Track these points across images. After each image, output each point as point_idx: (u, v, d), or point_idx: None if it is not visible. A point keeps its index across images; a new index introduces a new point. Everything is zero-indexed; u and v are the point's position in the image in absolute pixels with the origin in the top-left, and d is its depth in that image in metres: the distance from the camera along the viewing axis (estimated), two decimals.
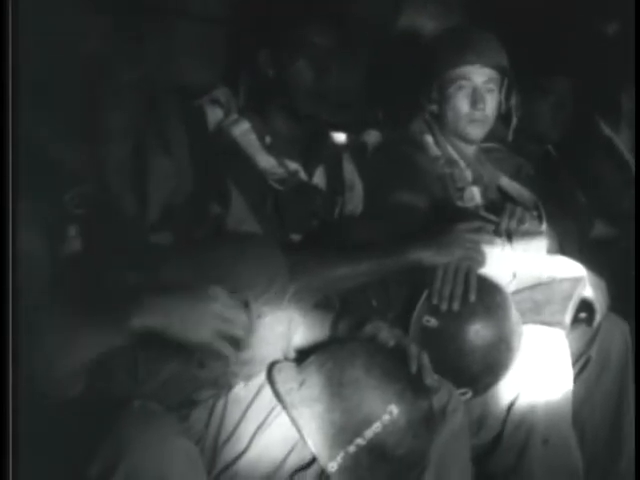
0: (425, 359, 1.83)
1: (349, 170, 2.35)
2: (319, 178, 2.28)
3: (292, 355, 1.89)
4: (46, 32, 1.70)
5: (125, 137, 1.76)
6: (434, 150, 2.52)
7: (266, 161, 2.18)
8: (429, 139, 2.53)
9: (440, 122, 2.53)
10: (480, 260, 2.17)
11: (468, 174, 2.53)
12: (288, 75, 2.21)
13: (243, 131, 2.19)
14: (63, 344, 1.58)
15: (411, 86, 2.58)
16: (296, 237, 2.18)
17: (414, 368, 1.81)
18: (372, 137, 2.52)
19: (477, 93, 2.46)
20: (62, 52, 1.67)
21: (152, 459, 1.49)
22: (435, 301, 2.08)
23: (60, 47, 1.68)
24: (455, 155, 2.53)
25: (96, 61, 1.66)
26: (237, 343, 1.60)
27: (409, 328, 2.06)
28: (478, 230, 2.21)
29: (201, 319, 1.57)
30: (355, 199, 2.34)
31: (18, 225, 1.64)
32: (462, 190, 2.47)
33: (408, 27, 2.87)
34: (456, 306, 2.07)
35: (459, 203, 2.45)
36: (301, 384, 1.79)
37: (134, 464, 1.47)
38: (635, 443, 2.05)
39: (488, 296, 2.13)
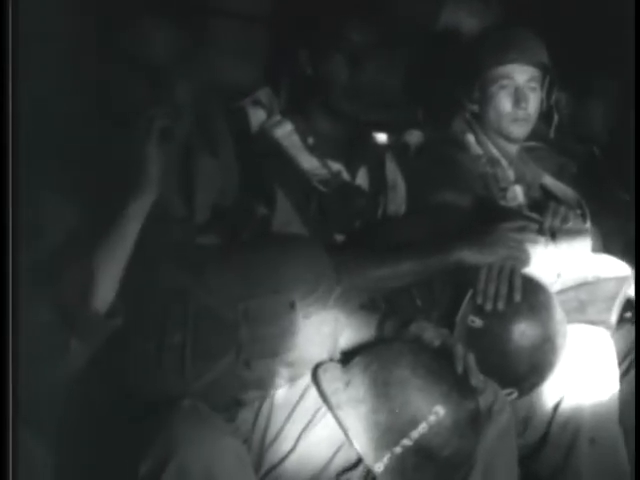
0: (471, 359, 1.82)
1: (392, 170, 2.35)
2: (362, 178, 2.28)
3: (337, 356, 1.89)
4: (93, 31, 1.72)
5: (172, 139, 1.77)
6: (476, 149, 2.51)
7: (309, 162, 2.18)
8: (471, 138, 2.52)
9: (481, 121, 2.52)
10: (524, 259, 2.15)
11: (510, 173, 2.51)
12: (326, 74, 2.21)
13: (286, 132, 2.19)
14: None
15: (452, 85, 2.57)
16: (340, 238, 2.18)
17: (460, 368, 1.80)
18: (414, 137, 2.52)
19: (520, 92, 2.44)
20: (107, 51, 1.69)
21: (202, 457, 1.51)
22: (479, 301, 2.07)
23: (105, 47, 1.69)
24: (497, 154, 2.51)
25: (139, 62, 1.68)
26: None
27: (454, 328, 2.05)
28: (522, 229, 2.19)
29: None
30: (398, 199, 2.33)
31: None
32: (505, 189, 2.46)
33: (448, 25, 2.86)
34: (501, 306, 2.06)
35: (502, 202, 2.44)
36: (347, 384, 1.79)
37: (184, 461, 1.49)
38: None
39: (533, 296, 2.12)
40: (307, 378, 1.84)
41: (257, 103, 2.21)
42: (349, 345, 1.91)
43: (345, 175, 2.24)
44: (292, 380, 1.83)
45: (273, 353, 1.75)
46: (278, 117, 2.21)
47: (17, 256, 1.54)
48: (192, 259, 1.71)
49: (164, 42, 1.70)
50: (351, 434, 1.76)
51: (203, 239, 1.77)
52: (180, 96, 1.70)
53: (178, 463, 1.49)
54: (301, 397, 1.84)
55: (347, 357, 1.87)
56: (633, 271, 2.30)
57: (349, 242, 2.17)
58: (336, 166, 2.23)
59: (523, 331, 2.08)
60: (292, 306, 1.76)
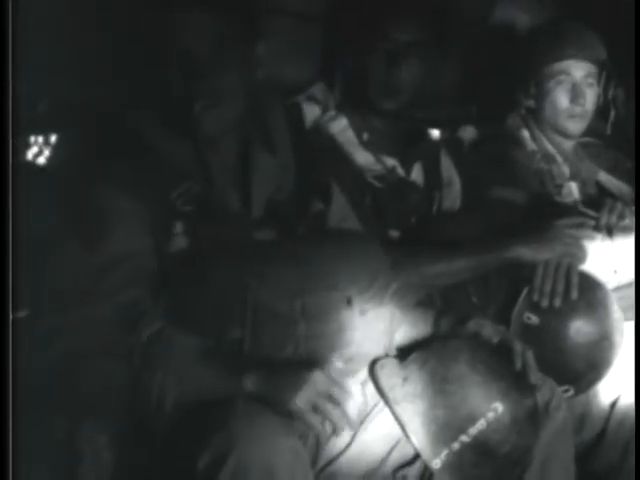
0: (530, 356, 1.81)
1: (447, 166, 2.34)
2: (417, 174, 2.27)
3: (393, 352, 1.89)
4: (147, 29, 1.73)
5: (229, 135, 1.78)
6: (531, 145, 2.50)
7: (364, 157, 2.18)
8: (525, 134, 2.51)
9: (537, 117, 2.50)
10: (581, 256, 2.14)
11: (566, 169, 2.49)
12: (369, 72, 2.21)
13: (341, 128, 2.19)
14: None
15: (508, 81, 2.55)
16: (394, 233, 2.18)
17: (519, 365, 1.80)
18: (468, 133, 2.50)
19: (577, 88, 2.42)
20: (166, 49, 1.70)
21: (260, 453, 1.50)
22: (536, 298, 2.06)
23: (162, 44, 1.70)
24: (552, 150, 2.50)
25: (193, 60, 1.68)
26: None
27: (509, 325, 2.04)
28: (579, 226, 2.18)
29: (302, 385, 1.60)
30: (453, 195, 2.32)
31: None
32: (560, 186, 2.44)
33: (502, 21, 2.84)
34: (557, 303, 2.05)
35: (557, 199, 2.42)
36: (404, 380, 1.79)
37: (243, 457, 1.49)
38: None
39: (589, 293, 2.11)
40: (364, 373, 1.84)
41: (312, 99, 2.22)
42: (405, 341, 1.91)
43: (400, 171, 2.23)
44: (349, 376, 1.82)
45: (330, 349, 1.75)
46: (333, 112, 2.22)
47: None
48: (249, 254, 1.71)
49: (217, 37, 1.70)
50: (409, 430, 1.76)
51: (259, 234, 1.77)
52: (227, 84, 1.71)
53: (236, 459, 1.49)
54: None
55: (403, 353, 1.87)
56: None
57: (404, 238, 2.17)
58: (391, 162, 2.22)
59: (579, 328, 2.07)
60: (349, 302, 1.75)
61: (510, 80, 2.55)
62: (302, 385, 1.59)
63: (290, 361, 1.67)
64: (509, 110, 2.55)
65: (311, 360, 1.68)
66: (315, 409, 1.58)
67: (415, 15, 2.24)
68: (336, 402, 1.59)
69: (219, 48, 1.70)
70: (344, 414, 1.60)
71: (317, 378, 1.60)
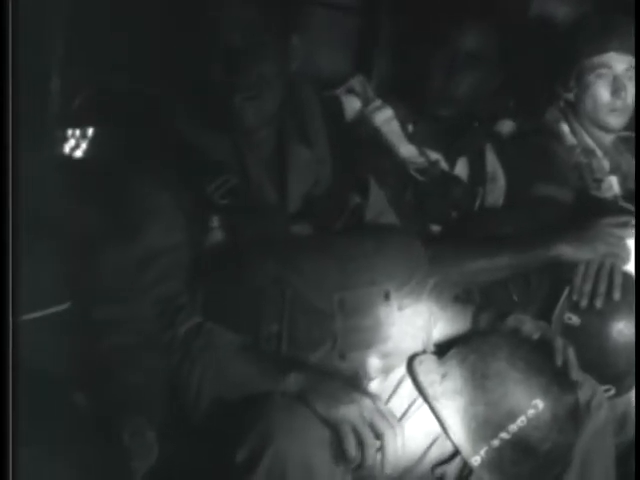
0: (571, 353, 1.79)
1: (492, 161, 2.31)
2: (461, 169, 2.24)
3: (431, 348, 1.87)
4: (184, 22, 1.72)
5: (267, 128, 1.77)
6: (570, 139, 2.46)
7: (407, 150, 2.16)
8: (565, 128, 2.47)
9: (577, 110, 2.46)
10: (624, 257, 2.10)
11: (605, 163, 2.45)
12: (433, 77, 2.18)
13: (386, 118, 2.17)
14: None
15: (546, 74, 2.52)
16: (435, 228, 2.15)
17: (560, 362, 1.77)
18: (506, 127, 2.47)
19: (618, 81, 2.38)
20: (203, 42, 1.69)
21: (298, 446, 1.49)
22: (576, 298, 2.04)
23: (198, 37, 1.69)
24: (592, 144, 2.46)
25: (230, 52, 1.67)
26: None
27: (550, 325, 2.02)
28: (622, 225, 2.13)
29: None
30: (497, 191, 2.29)
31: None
32: (600, 180, 2.40)
33: (542, 13, 2.80)
34: (599, 304, 2.03)
35: (597, 193, 2.38)
36: (443, 376, 1.77)
37: (281, 450, 1.48)
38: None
39: (631, 294, 2.07)
40: (402, 370, 1.83)
41: (351, 91, 2.20)
42: (443, 337, 1.89)
43: (443, 165, 2.21)
44: (386, 372, 1.81)
45: (368, 345, 1.73)
46: (378, 102, 2.19)
47: None
48: (286, 249, 1.70)
49: (254, 29, 1.69)
50: (448, 426, 1.74)
51: (296, 229, 1.76)
52: (265, 76, 1.69)
53: (274, 453, 1.48)
54: (395, 389, 1.83)
55: (441, 349, 1.85)
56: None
57: (444, 233, 2.15)
58: (434, 155, 2.20)
59: (621, 330, 2.04)
60: (387, 297, 1.74)
61: (549, 73, 2.51)
62: (348, 403, 1.56)
63: (336, 370, 1.66)
64: (548, 104, 2.52)
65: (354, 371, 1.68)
66: (354, 431, 1.54)
67: (479, 23, 2.20)
68: (378, 433, 1.54)
69: (256, 40, 1.68)
70: (381, 450, 1.55)
71: (366, 403, 1.56)
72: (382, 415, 1.55)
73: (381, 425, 1.54)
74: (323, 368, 1.66)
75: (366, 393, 1.61)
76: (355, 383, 1.69)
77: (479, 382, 1.75)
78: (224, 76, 1.67)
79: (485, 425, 1.73)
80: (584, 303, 2.03)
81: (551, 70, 2.51)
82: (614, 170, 2.46)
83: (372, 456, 1.53)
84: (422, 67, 2.18)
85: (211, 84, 1.69)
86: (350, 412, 1.54)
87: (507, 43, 2.23)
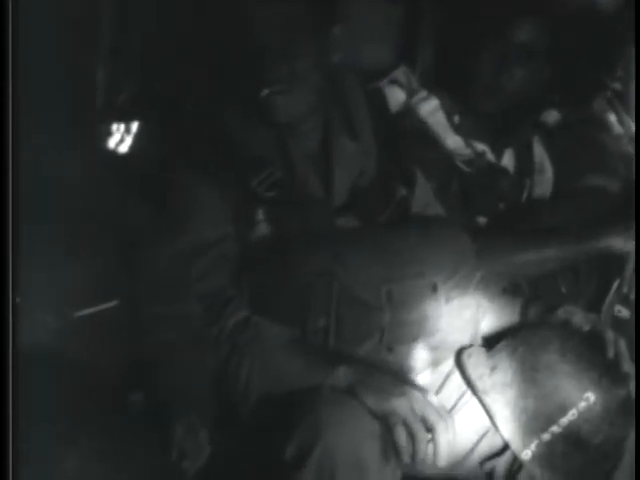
0: (622, 345, 1.76)
1: (539, 153, 2.29)
2: (508, 160, 2.22)
3: (479, 341, 1.85)
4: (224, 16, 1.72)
5: (311, 121, 1.76)
6: (617, 128, 2.42)
7: (454, 141, 2.14)
8: (612, 117, 2.44)
9: (624, 100, 2.43)
10: None
11: None
12: (481, 70, 2.16)
13: (431, 109, 2.15)
14: None
15: (593, 63, 2.48)
16: (482, 220, 2.13)
17: (611, 354, 1.75)
18: (552, 117, 2.44)
19: None
20: (243, 35, 1.68)
21: (348, 440, 1.48)
22: (625, 290, 2.01)
23: (239, 30, 1.69)
24: None
25: (269, 45, 1.66)
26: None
27: (600, 317, 1.99)
28: None
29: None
30: (545, 182, 2.26)
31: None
32: None
33: (585, 1, 2.76)
34: None
35: None
36: (492, 369, 1.75)
37: (330, 445, 1.47)
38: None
39: None
40: (450, 363, 1.81)
41: (395, 83, 2.18)
42: (491, 330, 1.87)
43: (490, 156, 2.19)
44: (434, 365, 1.80)
45: (415, 338, 1.72)
46: (424, 93, 2.18)
47: None
48: (333, 242, 1.69)
49: (292, 22, 1.68)
50: (497, 420, 1.72)
51: (342, 221, 1.75)
52: (300, 69, 1.68)
53: (323, 447, 1.46)
54: (443, 383, 1.82)
55: (489, 342, 1.83)
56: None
57: (491, 225, 2.12)
58: (481, 146, 2.18)
59: None
60: (434, 290, 1.72)
61: (596, 62, 2.48)
62: (398, 396, 1.54)
63: (383, 363, 1.65)
64: (595, 93, 2.48)
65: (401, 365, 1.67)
66: (405, 424, 1.52)
67: (533, 16, 2.18)
68: (429, 426, 1.53)
69: (295, 32, 1.67)
70: (433, 443, 1.53)
71: (417, 396, 1.55)
72: (433, 408, 1.54)
73: (432, 418, 1.52)
74: (371, 361, 1.65)
75: (416, 386, 1.60)
76: (403, 376, 1.67)
77: (529, 375, 1.73)
78: (261, 70, 1.67)
79: (535, 418, 1.71)
80: (632, 295, 2.00)
81: (597, 59, 2.47)
82: None
83: (423, 449, 1.51)
84: (471, 59, 2.16)
85: (252, 78, 1.68)
86: (401, 405, 1.53)
87: (557, 35, 2.19)
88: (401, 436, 1.51)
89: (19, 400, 1.29)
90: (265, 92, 1.66)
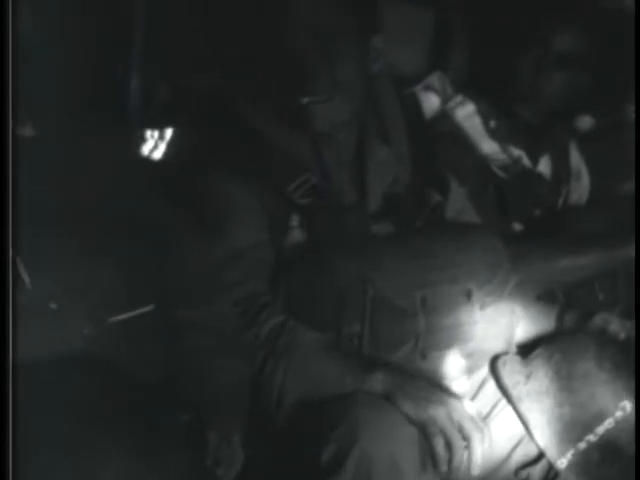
0: None
1: (575, 158, 2.27)
2: (544, 166, 2.21)
3: (514, 348, 1.84)
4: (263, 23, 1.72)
5: (346, 128, 1.75)
6: None
7: (489, 146, 2.14)
8: None
9: None
10: None
11: None
12: (519, 75, 2.15)
13: (467, 114, 2.15)
14: None
15: (625, 68, 2.46)
16: (517, 226, 2.12)
17: None
18: (585, 123, 2.43)
19: None
20: (281, 43, 1.68)
21: (385, 445, 1.48)
22: None
23: (277, 38, 1.69)
24: None
25: (309, 53, 1.67)
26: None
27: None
28: None
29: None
30: (581, 188, 2.25)
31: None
32: None
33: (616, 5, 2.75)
34: None
35: None
36: (528, 377, 1.74)
37: (367, 450, 1.47)
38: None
39: None
40: (484, 370, 1.80)
41: (429, 88, 2.18)
42: (526, 337, 1.86)
43: (526, 161, 2.18)
44: (468, 372, 1.78)
45: (449, 344, 1.71)
46: (460, 98, 2.17)
47: None
48: (367, 247, 1.69)
49: (331, 31, 1.68)
50: (533, 428, 1.70)
51: (377, 227, 1.75)
52: (341, 78, 1.68)
53: (360, 451, 1.46)
54: (478, 390, 1.80)
55: (525, 349, 1.82)
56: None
57: (527, 231, 2.11)
58: (517, 152, 2.17)
59: None
60: (469, 296, 1.72)
61: (628, 67, 2.46)
62: (436, 404, 1.54)
63: (418, 370, 1.64)
64: (627, 98, 2.46)
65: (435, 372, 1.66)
66: (442, 433, 1.53)
67: (572, 23, 2.17)
68: (465, 435, 1.53)
69: (334, 42, 1.68)
70: (468, 452, 1.54)
71: (455, 405, 1.55)
72: (470, 417, 1.54)
73: (468, 427, 1.53)
74: (406, 368, 1.64)
75: (453, 394, 1.59)
76: (438, 383, 1.67)
77: (565, 383, 1.71)
78: (301, 78, 1.67)
79: (571, 427, 1.69)
80: None
81: (629, 64, 2.45)
82: None
83: (460, 459, 1.51)
84: (508, 64, 2.14)
85: (290, 86, 1.68)
86: (439, 414, 1.53)
87: (592, 40, 2.18)
88: (439, 445, 1.50)
89: (51, 407, 1.29)
90: (305, 100, 1.66)
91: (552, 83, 2.13)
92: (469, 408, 1.56)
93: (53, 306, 1.39)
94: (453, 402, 1.55)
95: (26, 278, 1.39)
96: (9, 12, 1.34)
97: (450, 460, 1.52)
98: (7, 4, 1.33)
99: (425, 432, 1.52)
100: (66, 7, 1.58)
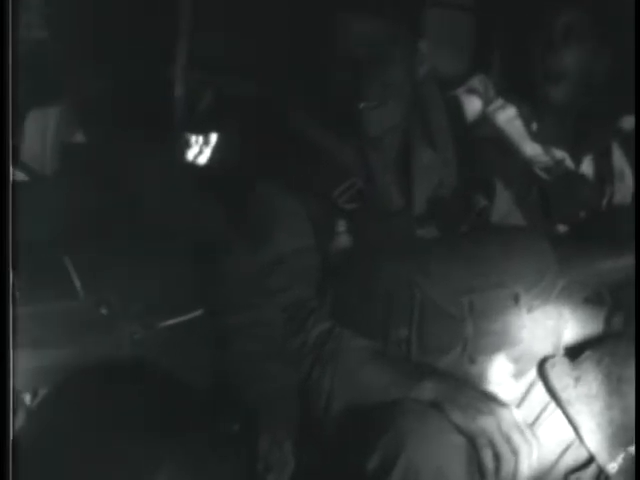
0: None
1: (619, 159, 2.25)
2: (587, 167, 2.19)
3: (561, 351, 1.82)
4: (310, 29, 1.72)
5: (391, 132, 1.75)
6: None
7: (532, 149, 2.12)
8: None
9: None
10: None
11: None
12: (534, 58, 2.14)
13: (508, 118, 2.14)
14: None
15: None
16: (562, 228, 2.11)
17: None
18: (628, 123, 2.41)
19: None
20: (328, 48, 1.68)
21: (431, 454, 1.47)
22: None
23: (324, 44, 1.69)
24: None
25: (358, 60, 1.67)
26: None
27: None
28: None
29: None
30: (624, 189, 2.23)
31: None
32: None
33: None
34: None
35: None
36: (577, 380, 1.72)
37: (413, 459, 1.46)
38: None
39: None
40: (532, 374, 1.79)
41: (472, 91, 2.17)
42: (574, 340, 1.84)
43: (569, 163, 2.16)
44: (517, 376, 1.77)
45: (497, 348, 1.71)
46: (501, 101, 2.16)
47: None
48: (414, 252, 1.69)
49: (379, 36, 1.68)
50: (583, 432, 1.69)
51: (422, 232, 1.74)
52: (392, 83, 1.69)
53: (407, 460, 1.46)
54: (526, 394, 1.79)
55: (573, 352, 1.80)
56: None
57: (572, 233, 2.10)
58: (560, 153, 2.15)
59: None
60: (516, 300, 1.71)
61: None
62: (486, 414, 1.53)
63: (468, 376, 1.64)
64: None
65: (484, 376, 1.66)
66: (490, 444, 1.52)
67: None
68: (514, 449, 1.52)
69: (382, 47, 1.68)
70: (516, 467, 1.53)
71: (504, 415, 1.54)
72: (518, 428, 1.53)
73: (517, 439, 1.52)
74: (454, 374, 1.63)
75: (502, 403, 1.58)
76: (486, 391, 1.65)
77: (615, 386, 1.70)
78: (350, 85, 1.67)
79: (622, 430, 1.68)
80: None
81: None
82: None
83: (507, 471, 1.50)
84: (522, 44, 2.13)
85: (337, 92, 1.68)
86: (488, 424, 1.52)
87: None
88: (487, 456, 1.50)
89: (102, 412, 1.29)
90: (361, 105, 1.66)
91: (567, 58, 2.11)
92: (518, 418, 1.55)
93: (104, 311, 1.40)
94: (502, 412, 1.54)
95: (77, 284, 1.40)
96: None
97: (497, 472, 1.51)
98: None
99: (474, 443, 1.51)
100: (114, 18, 1.60)
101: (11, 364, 1.28)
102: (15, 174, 1.47)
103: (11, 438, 1.26)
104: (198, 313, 1.48)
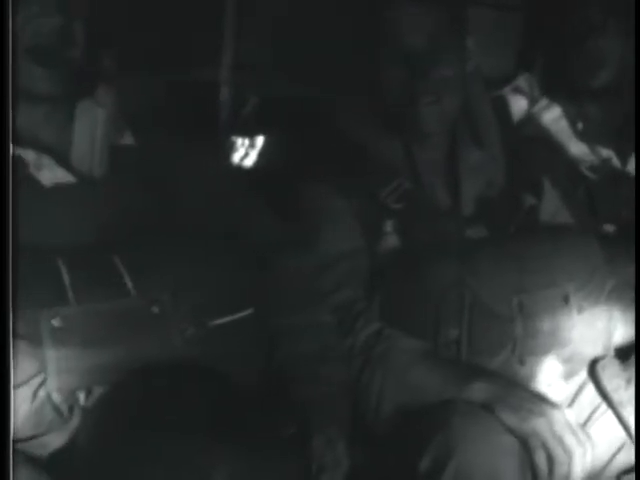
0: None
1: None
2: (633, 166, 2.17)
3: (612, 353, 1.80)
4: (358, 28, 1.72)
5: (439, 132, 1.75)
6: None
7: (578, 148, 2.11)
8: None
9: None
10: None
11: None
12: (571, 52, 2.12)
13: (554, 117, 2.12)
14: None
15: None
16: (609, 228, 2.09)
17: None
18: None
19: None
20: (378, 47, 1.68)
21: (483, 455, 1.46)
22: None
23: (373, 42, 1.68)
24: None
25: (408, 58, 1.66)
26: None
27: None
28: None
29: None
30: None
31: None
32: None
33: None
34: None
35: None
36: (628, 381, 1.71)
37: (465, 461, 1.45)
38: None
39: None
40: (582, 375, 1.77)
41: (517, 90, 2.16)
42: (624, 341, 1.82)
43: (615, 161, 2.14)
44: (567, 377, 1.75)
45: (547, 349, 1.69)
46: (545, 101, 2.15)
47: None
48: (463, 252, 1.68)
49: (430, 34, 1.68)
50: (635, 434, 1.67)
51: (471, 232, 1.73)
52: (445, 80, 1.69)
53: (459, 461, 1.45)
54: (576, 395, 1.77)
55: (624, 353, 1.79)
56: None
57: (620, 232, 2.08)
58: (606, 152, 2.13)
59: None
60: (566, 300, 1.69)
61: None
62: (538, 415, 1.52)
63: (518, 377, 1.63)
64: None
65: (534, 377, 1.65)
66: (543, 446, 1.50)
67: None
68: (567, 450, 1.50)
69: (437, 44, 1.68)
70: (569, 469, 1.51)
71: (556, 416, 1.53)
72: (572, 430, 1.51)
73: (570, 441, 1.50)
74: (504, 375, 1.62)
75: (555, 405, 1.56)
76: (538, 392, 1.64)
77: None
78: (406, 81, 1.67)
79: None
80: None
81: None
82: None
83: (562, 473, 1.49)
84: (562, 47, 2.12)
85: (391, 89, 1.68)
86: (540, 425, 1.50)
87: None
88: (541, 458, 1.48)
89: (156, 412, 1.30)
90: (425, 101, 1.66)
91: (602, 45, 2.09)
92: (570, 419, 1.53)
93: (155, 310, 1.40)
94: (555, 413, 1.52)
95: (129, 283, 1.40)
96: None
97: (551, 474, 1.49)
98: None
99: (526, 444, 1.50)
100: (162, 22, 1.60)
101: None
102: (63, 176, 1.47)
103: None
104: (249, 312, 1.48)
